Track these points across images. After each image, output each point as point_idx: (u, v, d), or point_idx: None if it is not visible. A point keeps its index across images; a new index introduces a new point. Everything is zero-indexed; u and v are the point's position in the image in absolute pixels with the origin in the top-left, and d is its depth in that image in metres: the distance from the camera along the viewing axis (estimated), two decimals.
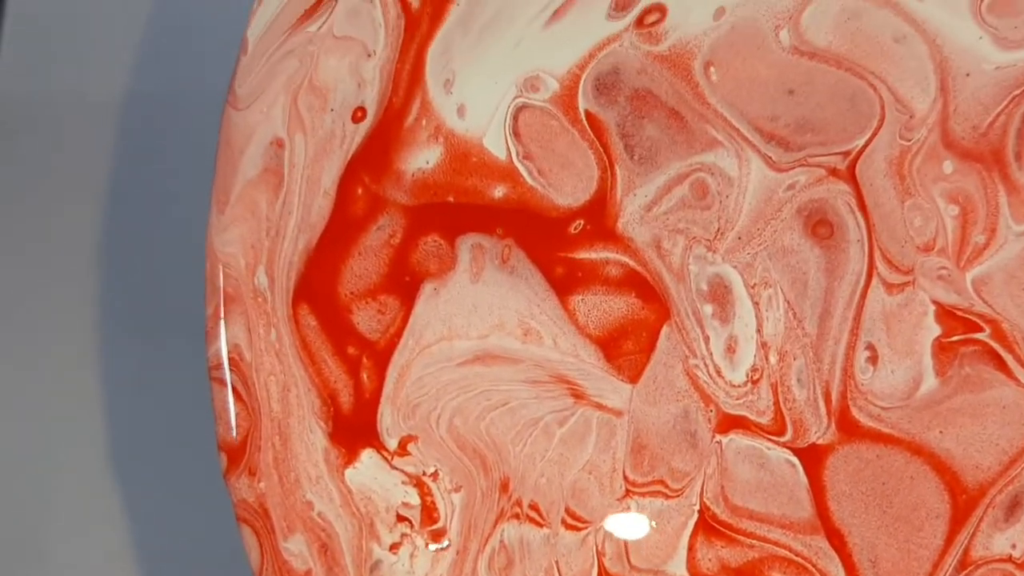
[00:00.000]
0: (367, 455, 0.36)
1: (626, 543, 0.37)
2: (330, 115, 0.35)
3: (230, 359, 0.34)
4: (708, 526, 0.37)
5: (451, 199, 0.37)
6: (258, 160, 0.34)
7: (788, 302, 0.37)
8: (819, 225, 0.37)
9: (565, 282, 0.37)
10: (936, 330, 0.37)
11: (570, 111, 0.38)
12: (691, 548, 0.37)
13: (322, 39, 0.35)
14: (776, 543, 0.37)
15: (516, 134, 0.37)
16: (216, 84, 0.36)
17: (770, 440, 0.37)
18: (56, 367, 0.41)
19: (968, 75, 0.36)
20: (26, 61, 0.42)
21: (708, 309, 0.38)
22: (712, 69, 0.37)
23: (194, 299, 0.35)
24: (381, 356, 0.36)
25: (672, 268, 0.38)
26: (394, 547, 0.36)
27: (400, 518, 0.36)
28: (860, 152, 0.37)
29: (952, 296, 0.37)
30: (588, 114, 0.38)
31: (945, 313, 0.37)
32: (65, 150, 0.42)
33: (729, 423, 0.37)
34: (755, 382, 0.37)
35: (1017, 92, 0.36)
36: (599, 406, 0.37)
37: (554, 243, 0.37)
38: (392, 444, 0.36)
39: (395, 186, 0.37)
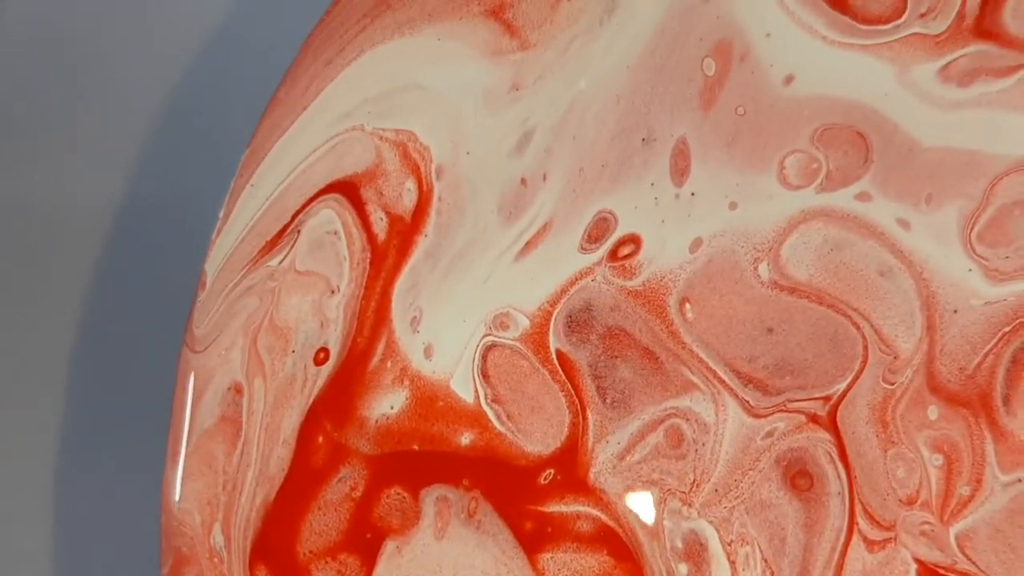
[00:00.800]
0: None
1: None
2: (291, 357, 0.42)
3: None
4: None
5: (416, 447, 0.44)
6: (215, 408, 0.41)
7: (766, 560, 0.45)
8: (798, 476, 0.45)
9: (534, 538, 0.44)
10: None
11: (541, 350, 0.45)
12: None
13: (284, 274, 0.42)
14: None
15: (485, 375, 0.44)
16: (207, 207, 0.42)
17: None
18: None
19: (956, 312, 0.42)
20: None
21: (683, 569, 0.45)
22: (688, 306, 0.45)
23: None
24: None
25: (646, 524, 0.45)
26: None
27: None
28: (842, 397, 0.44)
29: (935, 553, 0.44)
30: (559, 354, 0.45)
31: (927, 572, 0.43)
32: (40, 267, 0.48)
33: None
34: None
35: (1007, 329, 0.41)
36: None
37: (523, 495, 0.44)
38: None
39: (358, 434, 0.43)
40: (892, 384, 0.43)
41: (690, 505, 0.43)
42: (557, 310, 0.44)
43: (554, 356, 0.44)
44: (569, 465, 0.44)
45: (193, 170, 0.48)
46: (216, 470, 0.40)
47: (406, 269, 0.42)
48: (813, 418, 0.43)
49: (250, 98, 0.42)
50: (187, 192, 0.47)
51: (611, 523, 0.44)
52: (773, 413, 0.44)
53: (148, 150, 0.49)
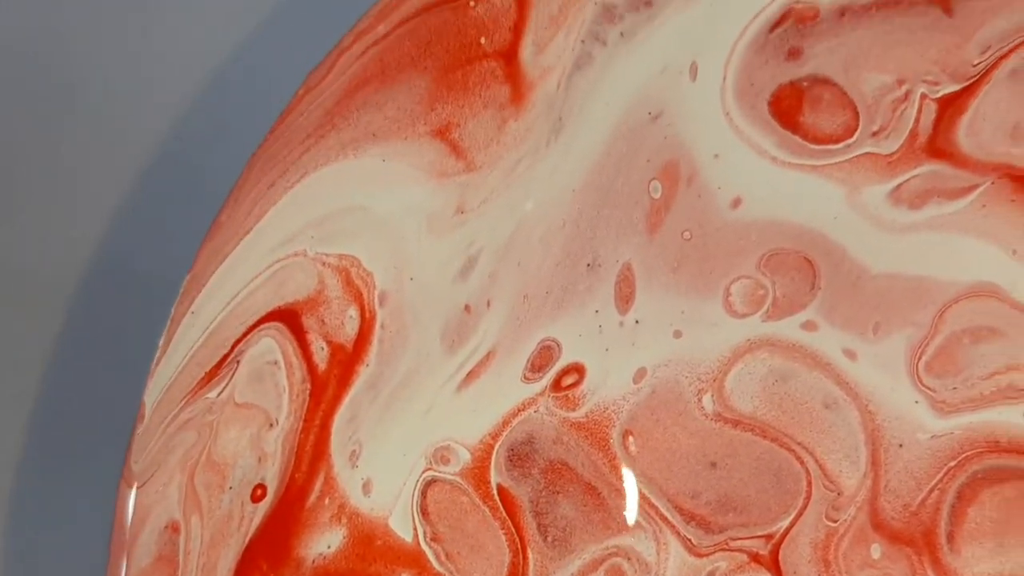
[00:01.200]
0: None
1: None
2: (228, 494, 0.45)
3: None
4: None
5: None
6: (152, 547, 0.43)
7: None
8: None
9: None
10: None
11: (482, 485, 0.47)
12: None
13: (222, 407, 0.44)
14: None
15: (424, 512, 0.47)
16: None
17: None
18: None
19: (901, 446, 0.46)
20: None
21: None
22: (631, 439, 0.48)
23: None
24: None
25: None
26: None
27: None
28: (784, 535, 0.47)
29: None
30: (501, 489, 0.47)
31: None
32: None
33: None
34: None
35: (952, 464, 0.45)
36: None
37: None
38: None
39: (294, 575, 0.46)
40: (835, 521, 0.46)
41: None
42: (499, 443, 0.47)
43: (495, 492, 0.47)
44: None
45: (139, 290, 0.50)
46: None
47: (346, 401, 0.45)
48: (755, 557, 0.47)
49: (196, 221, 0.45)
50: (133, 312, 0.49)
51: None
52: (715, 552, 0.47)
53: (91, 276, 0.51)
